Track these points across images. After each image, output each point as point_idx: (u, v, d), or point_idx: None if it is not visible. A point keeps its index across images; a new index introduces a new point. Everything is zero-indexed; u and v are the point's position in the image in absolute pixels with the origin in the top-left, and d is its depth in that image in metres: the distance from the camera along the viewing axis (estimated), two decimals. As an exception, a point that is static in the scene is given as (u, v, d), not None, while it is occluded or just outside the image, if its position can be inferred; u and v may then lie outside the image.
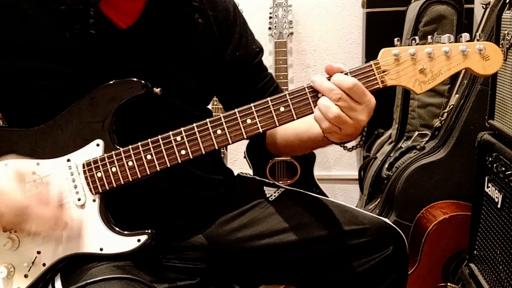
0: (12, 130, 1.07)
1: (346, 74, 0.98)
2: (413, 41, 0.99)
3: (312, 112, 0.99)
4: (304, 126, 1.14)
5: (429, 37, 0.99)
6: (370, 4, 2.65)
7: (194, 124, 1.01)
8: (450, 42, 0.97)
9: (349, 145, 2.73)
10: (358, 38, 2.80)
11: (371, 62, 0.98)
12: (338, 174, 2.98)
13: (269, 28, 2.60)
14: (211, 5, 1.18)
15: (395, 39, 0.99)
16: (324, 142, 1.10)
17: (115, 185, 1.02)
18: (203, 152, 1.01)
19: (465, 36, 0.97)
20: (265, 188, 1.30)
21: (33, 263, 1.04)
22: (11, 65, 1.03)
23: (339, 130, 0.97)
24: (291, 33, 2.59)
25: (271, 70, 2.74)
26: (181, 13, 1.12)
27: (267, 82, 1.27)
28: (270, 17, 2.61)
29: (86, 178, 1.03)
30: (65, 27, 1.03)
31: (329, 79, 0.98)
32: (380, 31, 2.62)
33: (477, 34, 0.98)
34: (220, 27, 1.19)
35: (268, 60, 2.83)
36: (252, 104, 0.99)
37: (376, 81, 0.98)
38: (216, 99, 1.48)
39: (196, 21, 1.14)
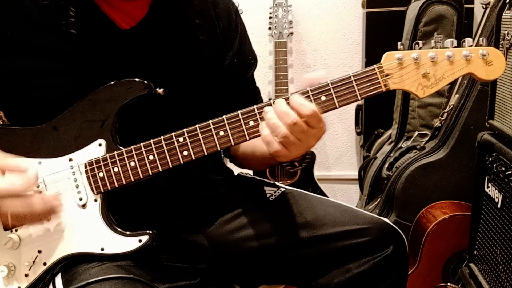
0: (14, 129, 1.06)
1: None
2: (416, 45, 0.99)
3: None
4: (257, 142, 1.13)
5: (433, 41, 0.99)
6: (370, 4, 2.65)
7: (197, 125, 1.01)
8: (453, 47, 0.97)
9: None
10: (358, 38, 2.80)
11: (375, 66, 0.98)
12: (338, 174, 2.98)
13: (269, 28, 2.60)
14: (215, 9, 1.19)
15: (398, 43, 0.99)
16: (272, 160, 1.11)
17: (117, 185, 1.02)
18: (206, 154, 1.01)
19: (468, 41, 0.97)
20: (265, 188, 1.30)
21: (33, 262, 1.04)
22: (12, 63, 1.04)
23: (287, 152, 0.97)
24: (291, 33, 2.59)
25: (271, 70, 2.77)
26: (185, 15, 1.13)
27: (257, 94, 1.30)
28: (270, 17, 2.61)
29: (88, 178, 1.03)
30: (65, 23, 1.03)
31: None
32: (380, 31, 2.62)
33: (480, 39, 0.98)
34: (223, 32, 1.19)
35: (268, 60, 2.83)
36: (255, 106, 1.00)
37: (379, 85, 0.98)
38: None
39: (200, 24, 1.14)
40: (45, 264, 1.04)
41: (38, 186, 1.04)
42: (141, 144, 1.02)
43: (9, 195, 0.94)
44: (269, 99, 1.00)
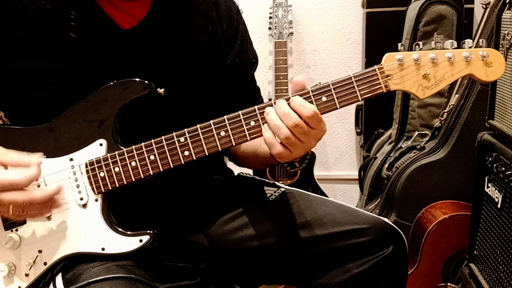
0: (14, 129, 1.06)
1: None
2: (417, 46, 0.99)
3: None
4: (258, 142, 1.15)
5: (433, 42, 1.00)
6: (370, 4, 2.65)
7: (198, 126, 1.01)
8: (453, 48, 0.98)
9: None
10: (358, 38, 2.80)
11: (375, 67, 0.98)
12: (338, 174, 2.99)
13: (269, 28, 2.60)
14: (216, 9, 1.19)
15: (399, 44, 0.99)
16: (273, 160, 1.11)
17: (117, 185, 1.03)
18: (207, 154, 1.01)
19: (468, 42, 0.98)
20: (265, 188, 1.30)
21: (34, 262, 1.04)
22: (13, 62, 1.04)
23: (289, 153, 0.98)
24: (291, 33, 2.59)
25: (271, 70, 2.77)
26: (187, 15, 1.13)
27: (257, 94, 1.30)
28: (270, 17, 2.61)
29: (88, 177, 1.03)
30: (66, 26, 1.03)
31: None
32: (380, 31, 2.62)
33: (480, 40, 0.99)
34: (224, 31, 1.19)
35: (268, 60, 2.83)
36: (256, 107, 1.00)
37: (380, 86, 0.98)
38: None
39: (202, 24, 1.14)
40: (45, 263, 1.04)
41: (38, 186, 1.04)
42: (142, 144, 1.02)
43: (11, 187, 0.93)
44: (269, 99, 1.00)
